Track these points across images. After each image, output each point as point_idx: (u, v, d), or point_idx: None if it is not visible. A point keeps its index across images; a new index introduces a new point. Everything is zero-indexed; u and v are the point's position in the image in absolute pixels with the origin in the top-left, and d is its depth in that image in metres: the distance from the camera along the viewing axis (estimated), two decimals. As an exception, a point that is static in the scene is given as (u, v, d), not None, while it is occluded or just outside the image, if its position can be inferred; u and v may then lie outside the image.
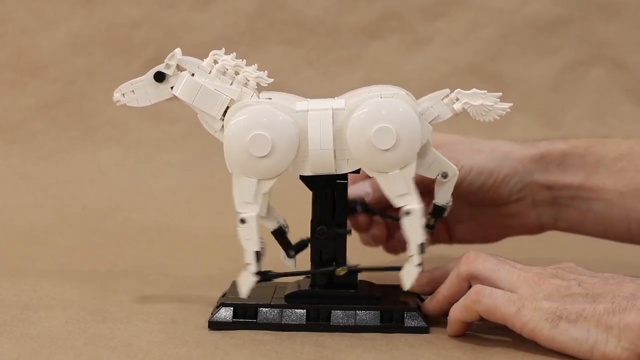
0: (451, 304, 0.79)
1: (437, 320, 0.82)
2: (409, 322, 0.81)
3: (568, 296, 0.74)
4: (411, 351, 0.77)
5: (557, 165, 0.95)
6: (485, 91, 0.80)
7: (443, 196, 0.85)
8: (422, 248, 0.80)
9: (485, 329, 0.80)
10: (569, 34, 1.38)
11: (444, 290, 0.81)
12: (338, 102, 0.81)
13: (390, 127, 0.79)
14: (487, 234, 0.98)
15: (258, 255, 0.81)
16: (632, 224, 0.93)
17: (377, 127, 0.79)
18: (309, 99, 0.81)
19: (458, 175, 0.84)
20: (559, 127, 1.37)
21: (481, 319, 0.77)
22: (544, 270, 0.77)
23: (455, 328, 0.79)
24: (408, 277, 0.81)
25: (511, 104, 0.80)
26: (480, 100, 0.80)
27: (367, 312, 0.81)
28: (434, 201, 0.85)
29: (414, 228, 0.80)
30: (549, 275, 0.76)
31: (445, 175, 0.84)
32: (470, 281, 0.79)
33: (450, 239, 0.98)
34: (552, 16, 1.38)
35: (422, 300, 0.84)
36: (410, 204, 0.80)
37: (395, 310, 0.81)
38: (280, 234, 0.85)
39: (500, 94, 0.80)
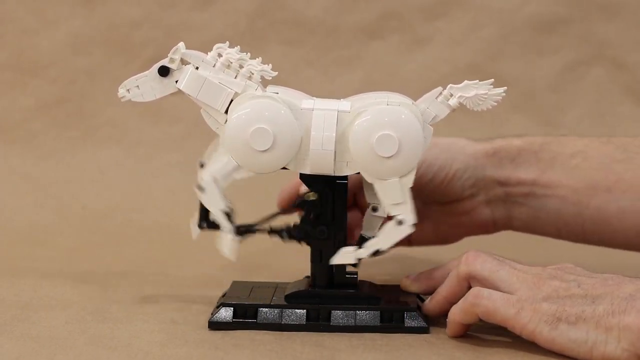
0: (451, 304, 0.79)
1: (437, 320, 0.82)
2: (409, 322, 0.81)
3: (567, 297, 0.74)
4: (411, 351, 0.77)
5: (511, 160, 0.93)
6: (477, 80, 0.80)
7: (370, 229, 0.83)
8: (376, 253, 0.81)
9: (485, 329, 0.80)
10: (569, 34, 1.38)
11: (444, 290, 0.81)
12: (344, 105, 0.80)
13: (393, 135, 0.79)
14: (443, 234, 0.96)
15: (228, 215, 0.82)
16: (585, 222, 0.92)
17: (380, 134, 0.79)
18: (315, 98, 0.81)
19: None
20: (559, 127, 1.37)
21: (481, 319, 0.77)
22: (543, 271, 0.77)
23: (455, 330, 0.79)
24: (341, 259, 0.81)
25: (505, 88, 0.80)
26: (474, 91, 0.80)
27: (367, 312, 0.81)
28: (361, 232, 0.84)
29: (393, 237, 0.80)
30: (548, 276, 0.76)
31: (375, 209, 0.83)
32: (469, 281, 0.79)
33: (409, 241, 0.95)
34: (552, 16, 1.38)
35: (422, 300, 0.85)
36: (404, 213, 0.80)
37: (395, 310, 0.81)
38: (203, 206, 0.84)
39: (492, 80, 0.80)
